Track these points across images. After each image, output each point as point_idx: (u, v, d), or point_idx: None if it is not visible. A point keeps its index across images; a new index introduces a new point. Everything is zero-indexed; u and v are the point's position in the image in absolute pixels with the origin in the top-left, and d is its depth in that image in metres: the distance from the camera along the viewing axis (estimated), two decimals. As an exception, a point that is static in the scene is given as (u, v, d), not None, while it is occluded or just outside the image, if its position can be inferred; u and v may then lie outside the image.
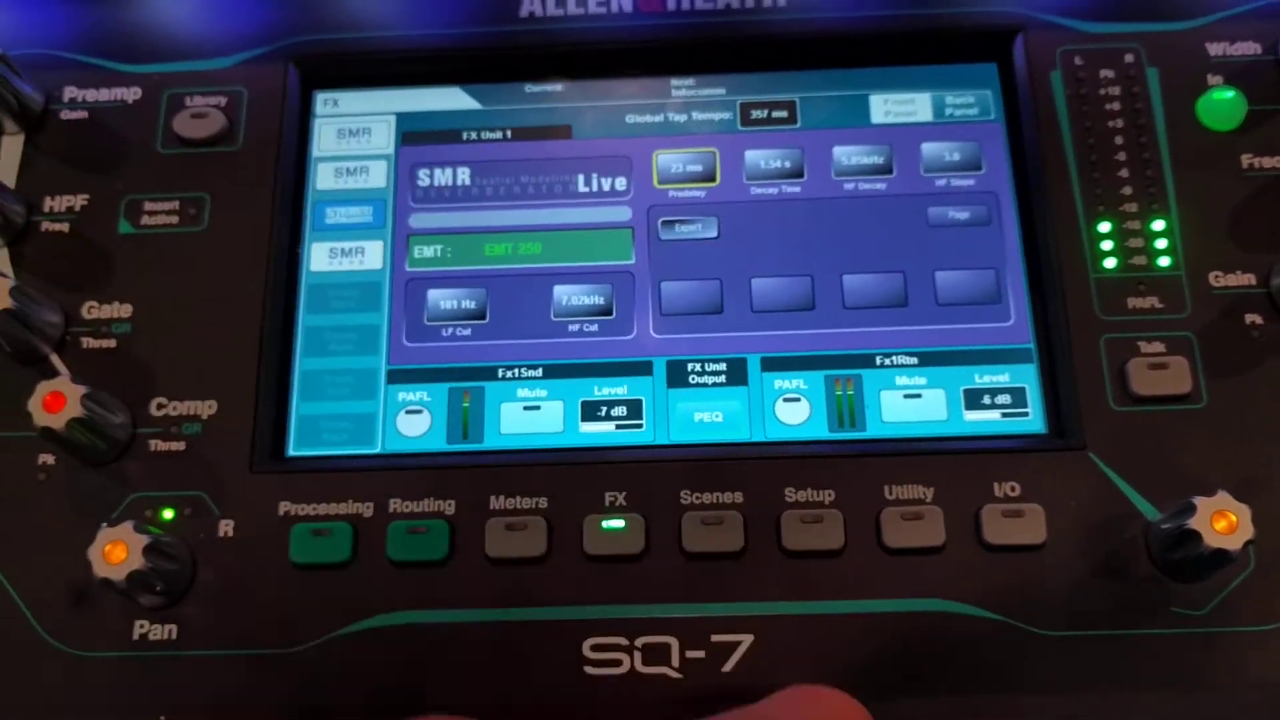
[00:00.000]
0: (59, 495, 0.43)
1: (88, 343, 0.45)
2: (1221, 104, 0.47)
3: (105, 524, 0.41)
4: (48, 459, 0.44)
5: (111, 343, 0.45)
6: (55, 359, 0.45)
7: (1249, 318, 0.44)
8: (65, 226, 0.47)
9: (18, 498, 0.44)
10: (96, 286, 0.46)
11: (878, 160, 0.48)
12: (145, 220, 0.47)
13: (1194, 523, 0.39)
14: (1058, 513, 0.42)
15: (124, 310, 0.46)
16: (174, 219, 0.47)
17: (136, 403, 0.45)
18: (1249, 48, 0.48)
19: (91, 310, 0.46)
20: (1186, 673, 0.40)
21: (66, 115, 0.49)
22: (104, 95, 0.49)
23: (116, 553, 0.39)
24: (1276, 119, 0.47)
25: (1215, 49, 0.48)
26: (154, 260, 0.47)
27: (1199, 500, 0.39)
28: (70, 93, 0.50)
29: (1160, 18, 0.49)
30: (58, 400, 0.41)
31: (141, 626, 0.42)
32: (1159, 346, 0.44)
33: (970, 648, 0.41)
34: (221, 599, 0.42)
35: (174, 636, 0.42)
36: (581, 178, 0.49)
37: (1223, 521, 0.39)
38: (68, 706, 0.41)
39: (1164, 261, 0.45)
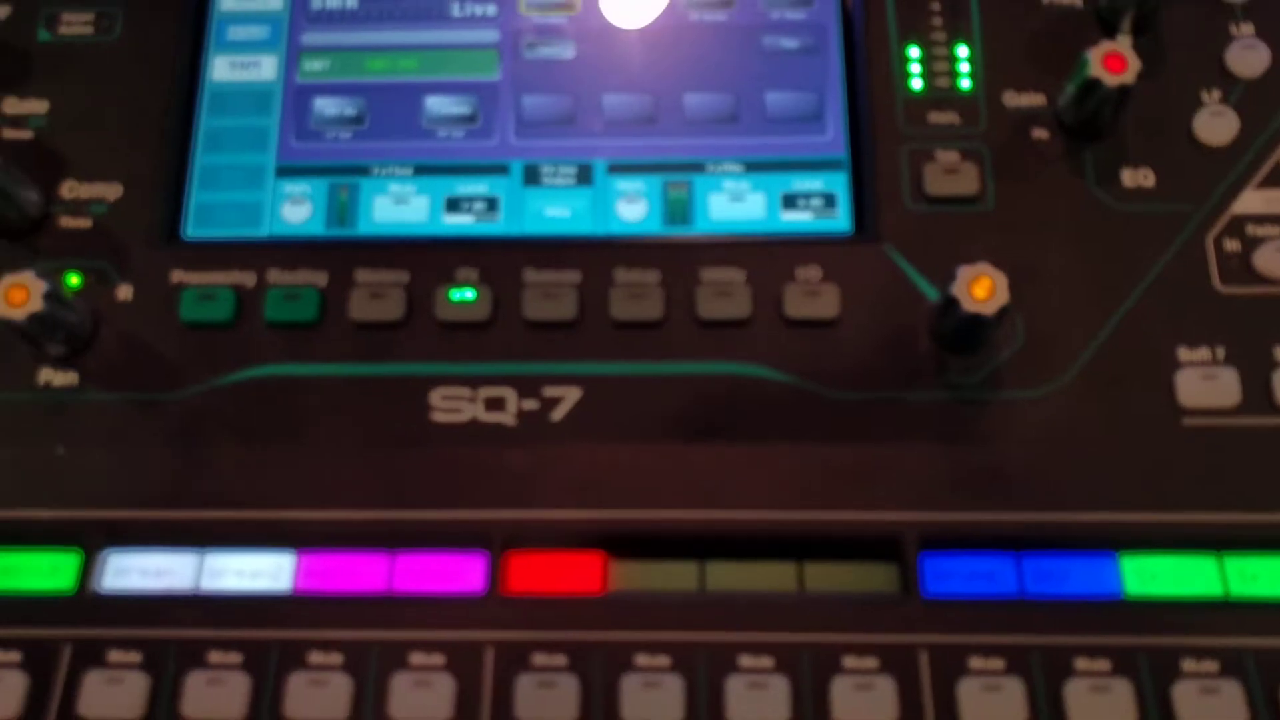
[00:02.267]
0: (-29, 264, 0.49)
1: (6, 133, 0.51)
2: (1027, -55, 0.53)
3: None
4: (-37, 229, 0.50)
5: (28, 134, 0.51)
6: (-29, 146, 0.51)
7: (1036, 133, 0.50)
8: (-12, 35, 0.53)
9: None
10: (16, 85, 0.52)
11: (721, -7, 0.54)
12: (62, 30, 0.53)
13: (955, 289, 0.44)
14: (852, 294, 0.48)
15: (40, 106, 0.52)
16: (89, 29, 0.53)
17: (49, 187, 0.50)
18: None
19: (10, 105, 0.52)
20: (957, 430, 0.46)
21: (-11, -70, 0.54)
22: (26, -87, 0.55)
23: (17, 295, 0.44)
24: (1076, -42, 0.53)
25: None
26: (70, 65, 0.52)
27: (961, 268, 0.44)
28: (-4, -95, 0.55)
29: None
30: (-31, 179, 0.46)
31: (45, 373, 0.48)
32: (954, 155, 0.50)
33: (769, 405, 0.47)
34: (118, 352, 0.48)
35: (75, 383, 0.48)
36: (456, 4, 0.54)
37: (980, 288, 0.44)
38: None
39: (965, 84, 0.51)
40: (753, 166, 0.51)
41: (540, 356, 0.48)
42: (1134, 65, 0.46)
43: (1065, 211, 0.49)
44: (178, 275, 0.49)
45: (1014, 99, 0.51)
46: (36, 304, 0.45)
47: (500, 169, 0.52)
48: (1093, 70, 0.46)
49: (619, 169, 0.52)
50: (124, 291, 0.49)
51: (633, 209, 0.51)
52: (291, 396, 0.47)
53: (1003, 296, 0.44)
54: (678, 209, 0.51)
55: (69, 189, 0.50)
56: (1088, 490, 0.45)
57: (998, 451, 0.46)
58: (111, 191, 0.50)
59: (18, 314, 0.44)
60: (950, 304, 0.45)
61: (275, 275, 0.49)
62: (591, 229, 0.51)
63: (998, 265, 0.46)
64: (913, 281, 0.48)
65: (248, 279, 0.49)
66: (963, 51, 0.51)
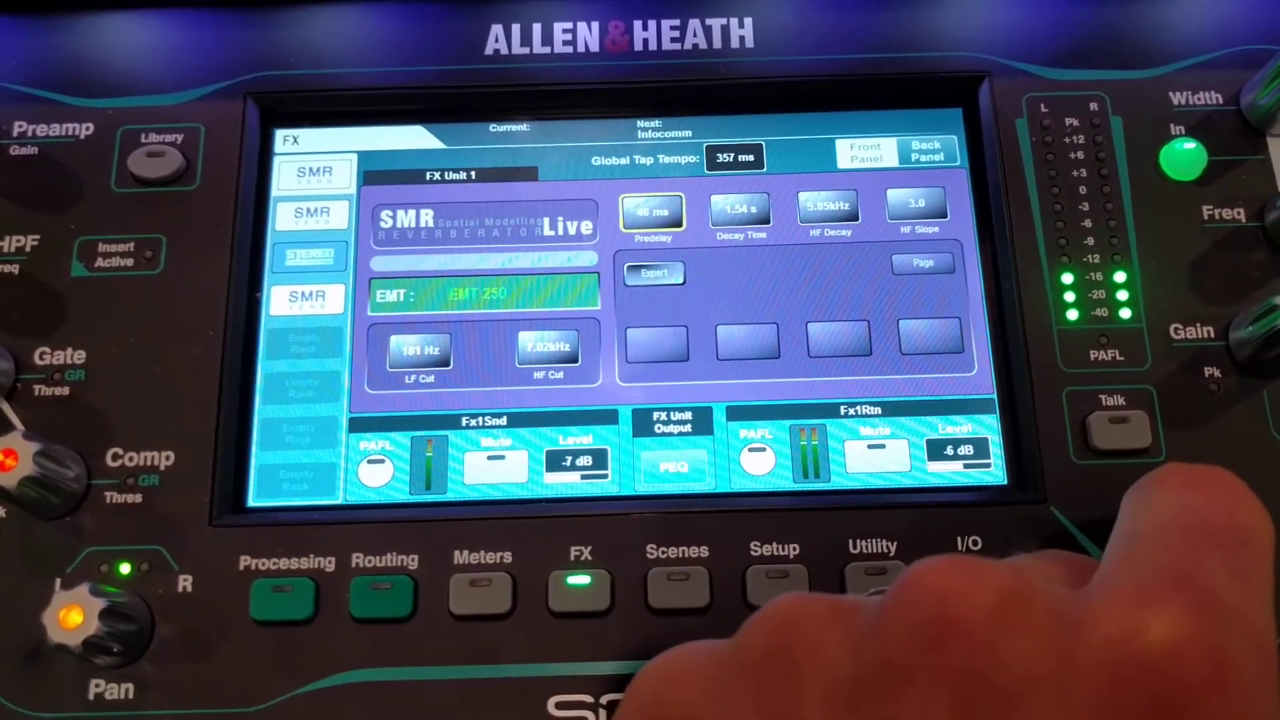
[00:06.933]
0: (10, 551, 0.42)
1: (40, 390, 0.44)
2: (1183, 155, 0.48)
3: (60, 583, 0.40)
4: (-1, 512, 0.43)
5: (65, 390, 0.44)
6: (6, 408, 0.44)
7: (1207, 371, 0.45)
8: (15, 268, 0.46)
9: (-32, 552, 0.43)
10: (49, 331, 0.45)
11: (844, 206, 0.48)
12: (99, 262, 0.46)
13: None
14: (1019, 568, 0.42)
15: (78, 356, 0.45)
16: (129, 261, 0.46)
17: (91, 452, 0.44)
18: (1210, 97, 0.49)
19: (44, 356, 0.45)
20: None
21: (15, 151, 0.48)
22: (55, 130, 0.48)
23: (72, 617, 0.38)
24: (1236, 170, 0.48)
25: (1178, 98, 0.49)
26: (108, 304, 0.46)
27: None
28: (19, 127, 0.48)
29: (1124, 65, 0.49)
30: (9, 457, 0.40)
31: (97, 686, 0.41)
32: (1120, 400, 0.45)
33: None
34: (180, 657, 0.41)
35: (130, 696, 0.41)
36: (547, 221, 0.48)
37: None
38: (21, 766, 0.41)
39: (1125, 314, 0.46)
40: (891, 409, 0.46)
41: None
42: (1335, 314, 0.41)
43: (1247, 462, 0.44)
44: (246, 561, 0.42)
45: (1181, 332, 0.45)
46: (93, 626, 0.38)
47: (607, 416, 0.46)
48: (1286, 320, 0.41)
49: (740, 413, 0.46)
50: (183, 582, 0.42)
51: (758, 461, 0.45)
52: (383, 708, 0.41)
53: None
54: (810, 461, 0.45)
55: (114, 457, 0.44)
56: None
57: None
58: (163, 459, 0.44)
59: (73, 639, 0.38)
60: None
61: (360, 559, 0.42)
62: (714, 487, 0.45)
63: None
64: (1085, 551, 0.43)
65: (327, 564, 0.42)
66: (1120, 277, 0.46)
